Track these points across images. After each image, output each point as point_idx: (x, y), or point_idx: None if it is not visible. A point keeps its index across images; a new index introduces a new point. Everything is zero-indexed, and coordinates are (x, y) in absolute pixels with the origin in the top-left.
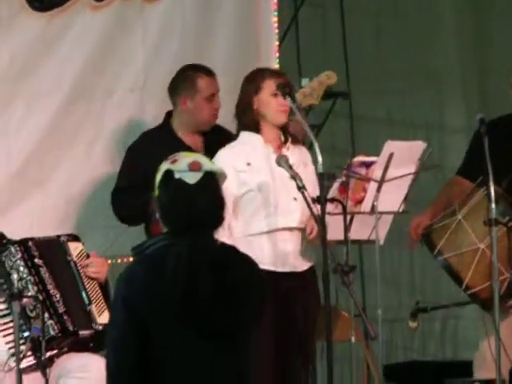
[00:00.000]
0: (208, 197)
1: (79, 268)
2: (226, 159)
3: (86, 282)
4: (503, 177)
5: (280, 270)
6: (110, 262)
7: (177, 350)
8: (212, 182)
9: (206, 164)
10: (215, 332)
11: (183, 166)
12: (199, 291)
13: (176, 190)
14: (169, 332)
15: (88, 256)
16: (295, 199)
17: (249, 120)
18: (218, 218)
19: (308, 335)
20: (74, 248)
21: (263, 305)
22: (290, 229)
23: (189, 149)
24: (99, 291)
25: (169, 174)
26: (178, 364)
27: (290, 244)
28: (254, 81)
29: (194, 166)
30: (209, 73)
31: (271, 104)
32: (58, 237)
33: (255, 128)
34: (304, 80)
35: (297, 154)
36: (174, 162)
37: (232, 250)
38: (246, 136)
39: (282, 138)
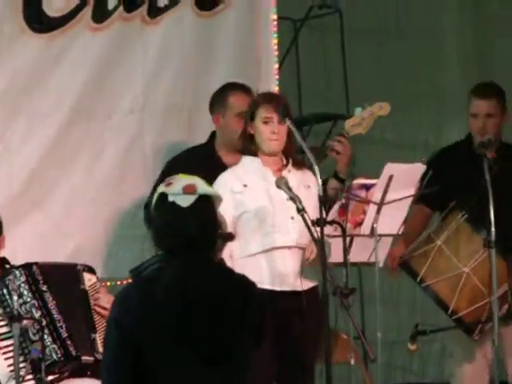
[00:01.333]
0: (200, 220)
1: (90, 298)
2: (224, 181)
3: (94, 313)
4: (465, 202)
5: (278, 289)
6: (108, 283)
7: (171, 371)
8: (206, 205)
9: (201, 187)
10: (210, 353)
11: (177, 189)
12: (191, 314)
13: (168, 212)
14: (162, 353)
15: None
16: (292, 218)
17: (247, 146)
18: (210, 241)
19: (306, 355)
20: (88, 279)
21: (262, 325)
22: (289, 247)
23: (226, 168)
24: (105, 324)
25: (163, 196)
26: None
27: (289, 263)
28: (250, 107)
29: (187, 189)
30: (243, 90)
31: (262, 132)
32: (75, 265)
33: (254, 154)
34: (357, 109)
35: (299, 176)
36: (168, 184)
37: (228, 272)
38: (247, 160)
39: (284, 161)
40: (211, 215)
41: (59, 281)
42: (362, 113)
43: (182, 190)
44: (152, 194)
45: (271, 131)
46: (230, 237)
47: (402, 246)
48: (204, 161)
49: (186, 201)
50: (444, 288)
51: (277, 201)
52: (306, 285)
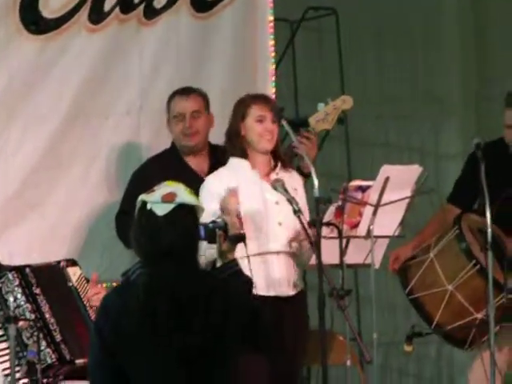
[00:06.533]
0: (175, 229)
1: (81, 293)
2: (210, 187)
3: (88, 307)
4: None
5: (266, 294)
6: (104, 285)
7: (148, 376)
8: (183, 214)
9: (181, 196)
10: (184, 358)
11: (156, 197)
12: (160, 324)
13: (144, 220)
14: (138, 357)
15: (88, 280)
16: (280, 224)
17: (236, 146)
18: (186, 250)
19: (297, 360)
20: (73, 273)
21: (245, 330)
22: (277, 253)
23: (193, 172)
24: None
25: (143, 204)
26: None
27: (276, 268)
28: (240, 107)
29: (166, 198)
30: (182, 93)
31: (256, 130)
32: (58, 263)
33: (243, 154)
34: (319, 105)
35: (286, 179)
36: (151, 192)
37: (206, 278)
38: (234, 162)
39: (272, 163)
40: (188, 225)
41: (49, 282)
42: (325, 108)
43: (160, 198)
44: (122, 205)
45: (265, 129)
46: (241, 238)
47: (410, 248)
48: (171, 166)
49: (162, 209)
50: (428, 302)
51: (266, 206)
52: (293, 289)
